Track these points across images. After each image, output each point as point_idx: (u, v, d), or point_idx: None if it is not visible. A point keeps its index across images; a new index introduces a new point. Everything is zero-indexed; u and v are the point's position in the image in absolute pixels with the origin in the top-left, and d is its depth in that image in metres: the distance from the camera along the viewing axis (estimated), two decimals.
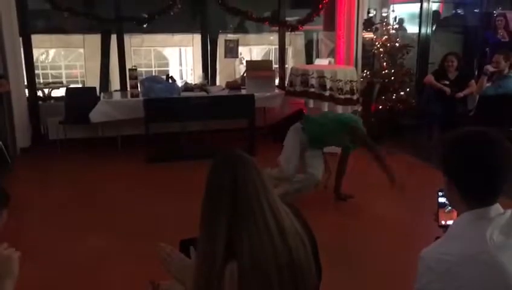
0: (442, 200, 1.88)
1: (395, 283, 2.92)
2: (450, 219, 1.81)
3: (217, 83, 7.61)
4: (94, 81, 9.99)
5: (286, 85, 6.50)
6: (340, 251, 3.49)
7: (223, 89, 6.45)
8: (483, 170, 1.33)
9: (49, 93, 8.87)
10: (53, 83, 10.71)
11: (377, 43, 6.93)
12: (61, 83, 11.18)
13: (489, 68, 5.63)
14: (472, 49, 7.87)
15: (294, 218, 1.54)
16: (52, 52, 13.00)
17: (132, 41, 11.27)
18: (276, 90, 6.39)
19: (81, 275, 3.16)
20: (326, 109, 5.74)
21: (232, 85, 6.46)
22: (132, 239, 3.64)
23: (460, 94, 5.86)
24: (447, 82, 5.97)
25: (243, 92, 6.21)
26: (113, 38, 7.20)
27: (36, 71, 7.67)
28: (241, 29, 10.40)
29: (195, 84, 6.60)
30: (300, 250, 1.48)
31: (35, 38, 7.00)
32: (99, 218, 4.11)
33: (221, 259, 1.42)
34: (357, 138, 4.12)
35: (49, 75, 12.60)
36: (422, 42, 7.33)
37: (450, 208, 1.80)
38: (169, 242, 2.24)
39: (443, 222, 1.89)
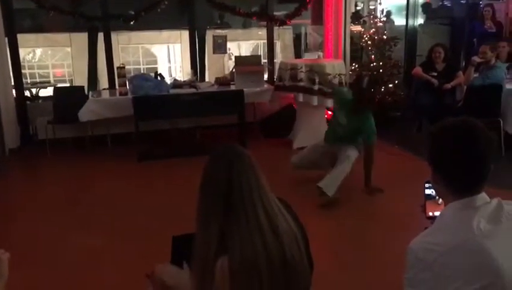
0: (429, 192, 1.90)
1: (386, 273, 2.94)
2: (437, 210, 1.84)
3: (206, 79, 7.58)
4: (82, 80, 9.90)
5: (275, 80, 6.50)
6: (331, 243, 3.51)
7: (212, 85, 6.43)
8: (465, 159, 1.35)
9: (37, 93, 8.80)
10: (40, 82, 10.63)
11: (365, 36, 6.96)
12: (49, 82, 11.08)
13: (476, 59, 5.66)
14: (459, 40, 7.92)
15: (287, 214, 1.54)
16: (38, 51, 12.85)
17: (119, 39, 11.14)
18: (266, 85, 6.38)
19: (74, 274, 3.15)
20: (315, 103, 5.74)
21: (221, 81, 6.44)
22: (124, 237, 3.64)
23: (448, 85, 5.89)
24: (435, 74, 5.99)
25: (232, 87, 6.19)
26: (100, 36, 7.14)
27: (23, 71, 7.60)
28: (229, 24, 10.36)
29: (184, 81, 6.57)
30: (293, 247, 1.49)
31: (21, 37, 6.92)
32: (91, 217, 4.10)
33: (213, 253, 1.43)
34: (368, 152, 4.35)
35: (37, 74, 12.46)
36: (410, 34, 7.35)
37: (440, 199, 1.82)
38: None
39: (430, 213, 1.92)
